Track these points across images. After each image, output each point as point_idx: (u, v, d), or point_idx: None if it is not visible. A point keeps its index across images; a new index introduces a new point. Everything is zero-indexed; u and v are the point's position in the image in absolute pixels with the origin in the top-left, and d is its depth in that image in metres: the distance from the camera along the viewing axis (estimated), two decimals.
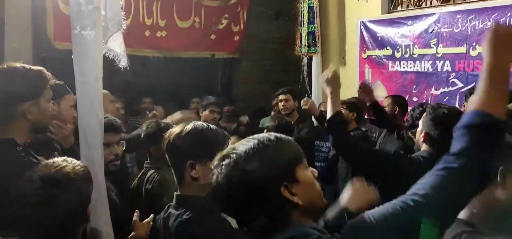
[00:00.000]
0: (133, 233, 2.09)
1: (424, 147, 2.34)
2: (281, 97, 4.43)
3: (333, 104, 2.35)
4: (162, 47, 5.43)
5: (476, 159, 1.09)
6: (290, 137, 1.21)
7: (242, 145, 1.14)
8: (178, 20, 5.49)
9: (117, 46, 2.01)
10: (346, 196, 1.73)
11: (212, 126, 1.72)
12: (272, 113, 5.06)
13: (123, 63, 2.10)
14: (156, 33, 5.34)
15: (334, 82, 2.39)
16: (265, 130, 3.81)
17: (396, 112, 3.89)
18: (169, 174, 2.55)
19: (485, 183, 1.21)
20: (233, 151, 1.13)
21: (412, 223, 1.02)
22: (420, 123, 2.38)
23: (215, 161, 1.14)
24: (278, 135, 1.19)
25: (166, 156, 1.72)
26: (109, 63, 2.14)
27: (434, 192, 1.05)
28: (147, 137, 2.74)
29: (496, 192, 1.49)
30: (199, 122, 1.72)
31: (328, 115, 2.36)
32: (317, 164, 4.16)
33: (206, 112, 4.38)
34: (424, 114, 2.36)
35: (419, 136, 2.36)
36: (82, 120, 1.81)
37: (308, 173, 1.17)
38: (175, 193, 1.73)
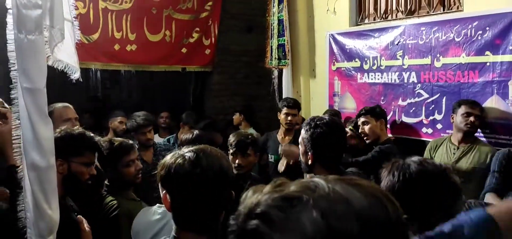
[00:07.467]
0: None
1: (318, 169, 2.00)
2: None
3: None
4: (132, 61, 5.38)
5: None
6: None
7: None
8: (149, 33, 5.45)
9: (66, 57, 1.96)
10: None
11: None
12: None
13: (76, 75, 2.04)
14: (126, 47, 5.29)
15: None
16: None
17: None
18: (129, 204, 2.38)
19: None
20: None
21: None
22: (302, 142, 2.07)
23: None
24: None
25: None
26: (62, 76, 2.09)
27: None
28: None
29: None
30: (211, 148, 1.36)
31: None
32: None
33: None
34: (305, 132, 2.04)
35: (306, 158, 2.04)
36: (28, 129, 1.74)
37: None
38: None
